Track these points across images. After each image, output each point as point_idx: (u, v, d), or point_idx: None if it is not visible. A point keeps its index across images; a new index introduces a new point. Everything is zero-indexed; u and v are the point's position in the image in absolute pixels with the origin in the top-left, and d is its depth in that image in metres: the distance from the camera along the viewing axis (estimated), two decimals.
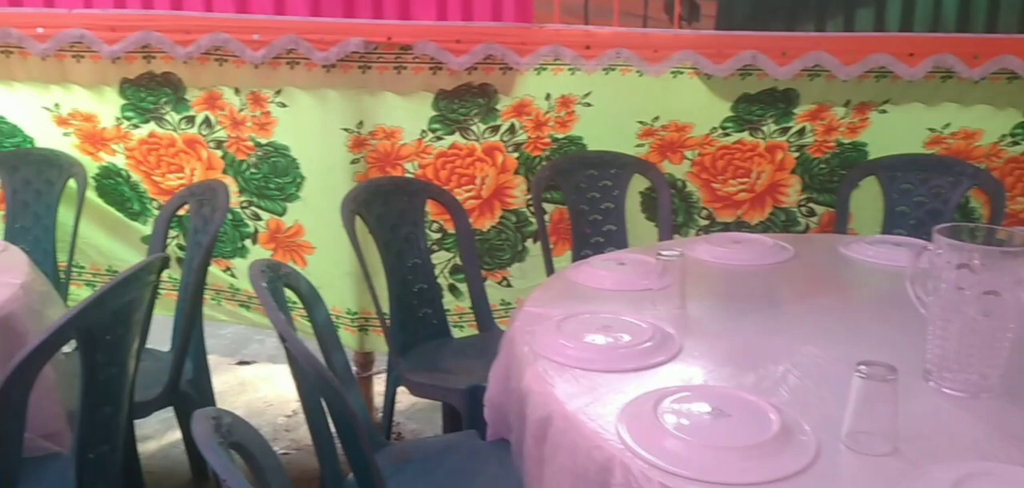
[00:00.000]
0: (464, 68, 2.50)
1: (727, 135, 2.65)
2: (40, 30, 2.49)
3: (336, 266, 2.71)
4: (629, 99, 2.59)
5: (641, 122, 2.63)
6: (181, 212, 2.39)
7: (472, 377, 1.99)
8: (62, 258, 2.57)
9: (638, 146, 2.66)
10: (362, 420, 1.43)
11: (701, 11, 3.71)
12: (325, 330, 1.65)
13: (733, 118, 2.62)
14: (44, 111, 2.66)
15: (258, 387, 3.13)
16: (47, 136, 2.69)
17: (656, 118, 2.62)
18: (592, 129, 2.65)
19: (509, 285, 2.82)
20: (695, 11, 3.72)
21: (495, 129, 2.64)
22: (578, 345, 1.36)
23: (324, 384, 1.27)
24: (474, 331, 2.51)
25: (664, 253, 1.64)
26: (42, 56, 2.53)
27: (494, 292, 2.71)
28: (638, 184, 2.65)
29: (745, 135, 2.66)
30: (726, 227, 2.75)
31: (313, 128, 2.60)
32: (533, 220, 2.73)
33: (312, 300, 1.64)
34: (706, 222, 2.78)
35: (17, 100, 2.65)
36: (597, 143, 2.66)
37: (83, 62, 2.56)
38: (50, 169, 2.62)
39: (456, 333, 2.58)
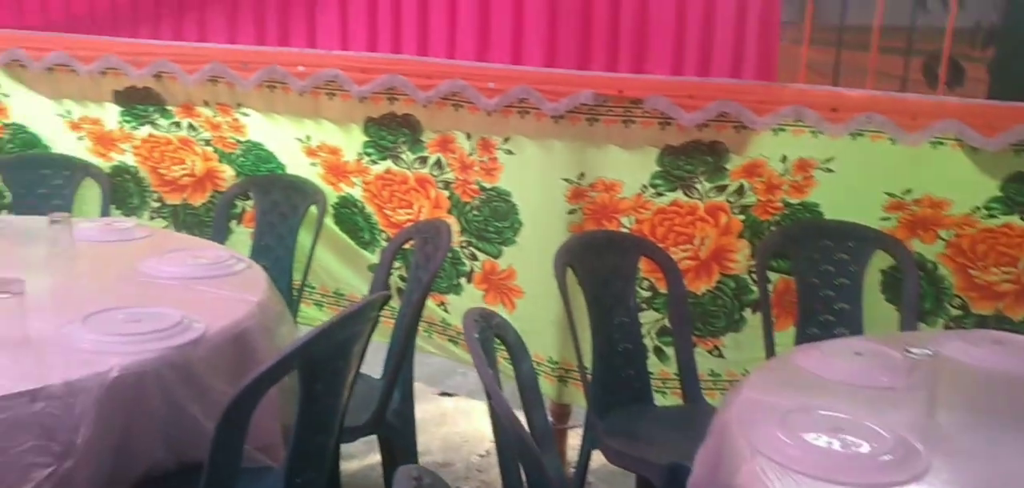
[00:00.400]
0: (695, 124, 2.40)
1: (993, 216, 2.33)
2: (301, 68, 2.72)
3: (543, 313, 2.69)
4: (878, 168, 2.35)
5: (890, 194, 2.37)
6: (407, 246, 2.49)
7: (673, 453, 1.87)
8: (297, 277, 2.77)
9: (883, 220, 2.40)
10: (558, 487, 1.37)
11: (967, 75, 3.33)
12: (528, 384, 1.61)
13: (1002, 198, 2.30)
14: (297, 142, 2.89)
15: (457, 421, 3.19)
16: (297, 164, 2.93)
17: (908, 191, 2.36)
18: (831, 197, 2.44)
19: (721, 355, 2.65)
20: (960, 75, 3.34)
21: (721, 188, 2.50)
22: (804, 446, 1.21)
23: (524, 450, 1.22)
24: (678, 399, 2.38)
25: (913, 350, 1.44)
26: (300, 92, 2.76)
27: (703, 361, 2.56)
28: (880, 262, 2.40)
29: (1015, 218, 2.31)
30: (982, 321, 2.41)
31: (536, 176, 2.62)
32: (754, 288, 2.55)
33: (519, 352, 1.61)
34: (958, 312, 2.45)
35: (276, 130, 2.91)
36: (836, 212, 2.44)
37: (334, 100, 2.76)
38: (296, 195, 2.84)
39: (658, 399, 2.47)
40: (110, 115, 3.02)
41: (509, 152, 2.62)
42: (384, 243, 2.93)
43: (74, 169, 2.94)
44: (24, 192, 2.89)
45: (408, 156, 2.78)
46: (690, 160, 2.48)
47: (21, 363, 1.37)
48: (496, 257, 2.78)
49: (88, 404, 1.33)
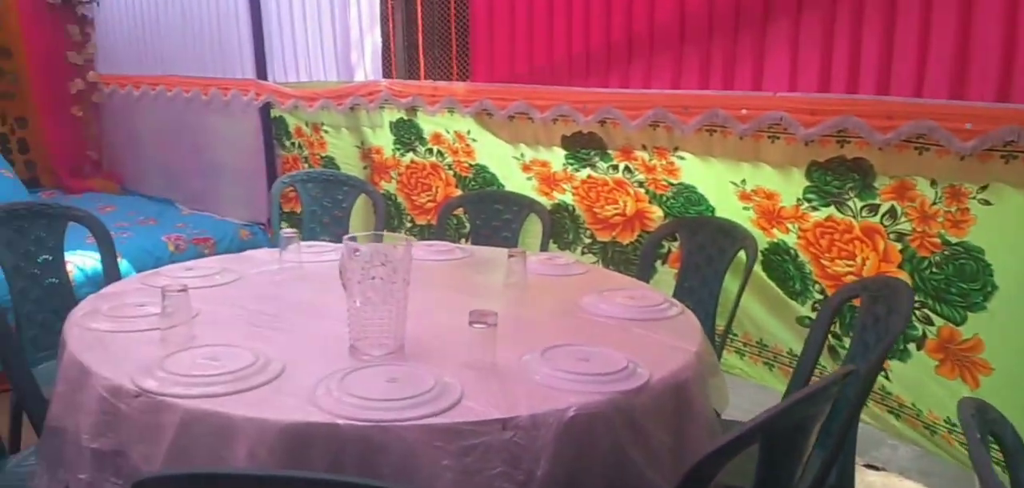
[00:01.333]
0: None
1: None
2: (744, 111, 2.64)
3: (1019, 398, 2.23)
4: None
5: None
6: (854, 302, 2.25)
7: None
8: (719, 322, 2.68)
9: None
10: None
11: None
12: None
13: None
14: (730, 185, 2.82)
15: None
16: (728, 208, 2.86)
17: None
18: None
19: None
20: None
21: None
22: None
23: None
24: None
25: None
26: (741, 136, 2.69)
27: None
28: None
29: None
30: None
31: (1022, 233, 2.19)
32: None
33: (1017, 455, 1.31)
34: None
35: (710, 173, 2.88)
36: None
37: (777, 143, 2.64)
38: (724, 238, 2.76)
39: None
40: (557, 158, 3.27)
41: (986, 202, 2.24)
42: (817, 295, 2.72)
43: (522, 205, 3.23)
44: (481, 224, 3.25)
45: (855, 203, 2.53)
46: None
47: (491, 390, 1.48)
48: (958, 324, 2.39)
49: (548, 438, 1.38)
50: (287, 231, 2.32)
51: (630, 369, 1.59)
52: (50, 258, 2.55)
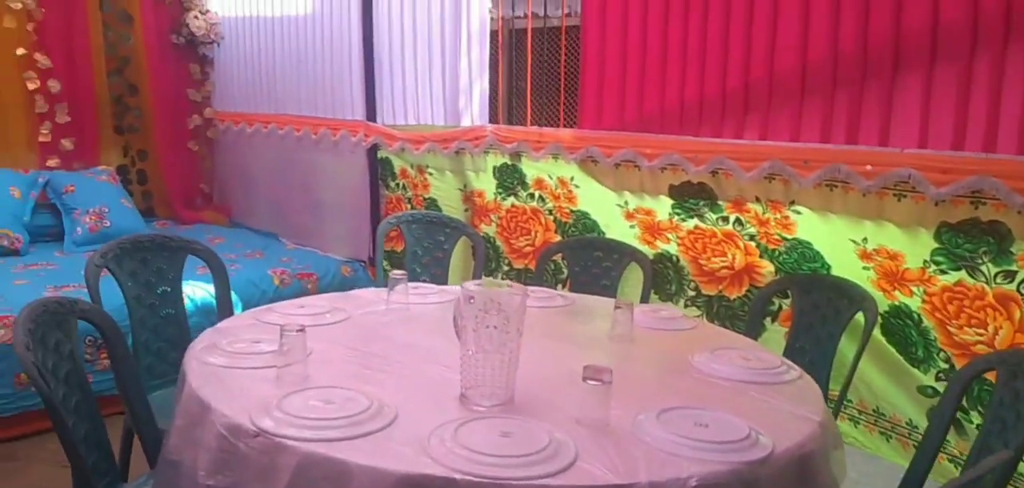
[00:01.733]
0: None
1: None
2: (869, 167, 2.52)
3: None
4: None
5: None
6: (988, 375, 2.10)
7: None
8: (833, 387, 2.54)
9: None
10: None
11: None
12: None
13: None
14: (850, 243, 2.69)
15: None
16: (847, 266, 2.72)
17: None
18: None
19: None
20: None
21: None
22: None
23: None
24: None
25: None
26: (864, 192, 2.57)
27: None
28: None
29: None
30: None
31: None
32: None
33: None
34: None
35: (828, 230, 2.76)
36: None
37: (903, 201, 2.50)
38: (841, 298, 2.61)
39: None
40: (663, 207, 3.20)
41: None
42: (942, 364, 2.54)
43: (622, 253, 3.16)
44: (579, 271, 3.20)
45: (989, 268, 2.37)
46: None
47: (607, 452, 1.42)
48: None
49: None
50: (396, 273, 2.33)
51: (752, 438, 1.51)
52: (169, 290, 2.64)
